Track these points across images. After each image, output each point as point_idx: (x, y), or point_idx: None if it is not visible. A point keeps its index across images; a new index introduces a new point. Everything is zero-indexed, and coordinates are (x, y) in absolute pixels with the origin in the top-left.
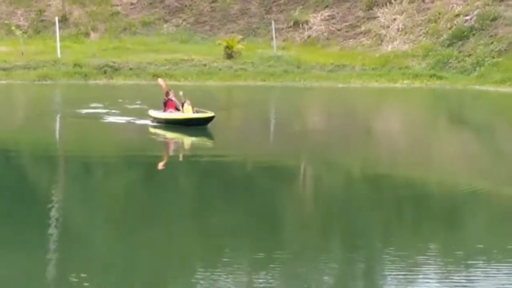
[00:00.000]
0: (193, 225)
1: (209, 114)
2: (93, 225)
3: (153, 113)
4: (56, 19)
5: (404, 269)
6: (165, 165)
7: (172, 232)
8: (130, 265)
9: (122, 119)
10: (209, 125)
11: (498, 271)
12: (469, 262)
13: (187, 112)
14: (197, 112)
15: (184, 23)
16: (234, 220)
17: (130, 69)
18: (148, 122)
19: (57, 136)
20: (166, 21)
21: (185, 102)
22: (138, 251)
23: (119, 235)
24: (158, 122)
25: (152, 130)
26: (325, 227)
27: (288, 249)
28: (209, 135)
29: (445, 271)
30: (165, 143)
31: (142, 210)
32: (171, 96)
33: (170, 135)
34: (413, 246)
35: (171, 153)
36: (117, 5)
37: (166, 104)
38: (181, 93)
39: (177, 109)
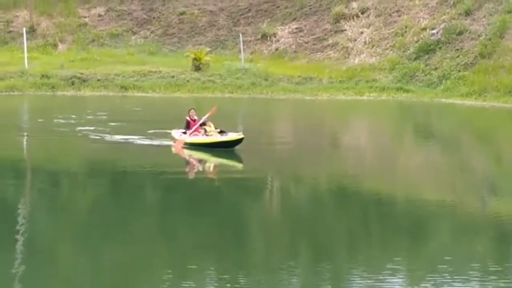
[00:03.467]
0: (159, 241)
1: (239, 136)
2: (59, 240)
3: (176, 134)
4: (24, 30)
5: None
6: (134, 180)
7: (138, 249)
8: (94, 281)
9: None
10: (237, 147)
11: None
12: (436, 279)
13: (211, 133)
14: (222, 132)
15: (152, 35)
16: (200, 237)
17: (98, 80)
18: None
19: (23, 148)
20: (134, 33)
21: (206, 123)
22: (103, 267)
23: (85, 250)
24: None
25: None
26: (291, 245)
27: (254, 269)
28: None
29: None
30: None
31: (108, 226)
32: (193, 115)
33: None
34: (381, 264)
35: (141, 168)
36: (85, 17)
37: (189, 125)
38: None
39: (202, 124)
